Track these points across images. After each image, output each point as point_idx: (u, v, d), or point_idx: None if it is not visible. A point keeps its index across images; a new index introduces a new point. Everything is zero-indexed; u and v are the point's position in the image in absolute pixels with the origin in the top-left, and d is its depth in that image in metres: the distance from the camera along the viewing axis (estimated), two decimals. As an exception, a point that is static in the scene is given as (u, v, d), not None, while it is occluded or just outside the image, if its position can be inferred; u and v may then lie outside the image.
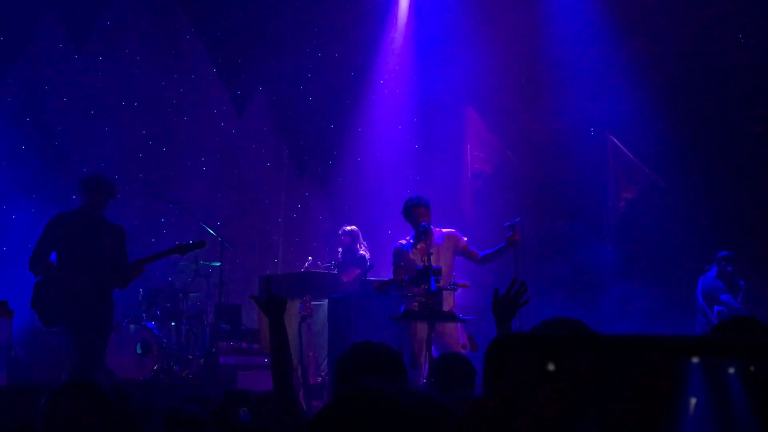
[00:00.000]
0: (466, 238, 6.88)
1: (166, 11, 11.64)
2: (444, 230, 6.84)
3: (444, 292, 6.41)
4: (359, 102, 12.60)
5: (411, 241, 6.75)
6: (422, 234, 6.60)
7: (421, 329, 6.31)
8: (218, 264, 9.18)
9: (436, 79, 12.02)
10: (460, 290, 6.67)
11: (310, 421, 1.28)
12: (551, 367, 0.53)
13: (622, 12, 10.62)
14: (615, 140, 10.43)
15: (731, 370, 0.55)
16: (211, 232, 9.31)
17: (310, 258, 10.40)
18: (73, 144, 10.70)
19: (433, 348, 6.23)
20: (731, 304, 8.79)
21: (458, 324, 6.59)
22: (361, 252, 9.90)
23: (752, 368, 0.53)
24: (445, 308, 6.41)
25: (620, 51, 10.50)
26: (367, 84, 12.59)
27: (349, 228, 10.12)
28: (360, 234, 10.07)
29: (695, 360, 0.54)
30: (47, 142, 10.57)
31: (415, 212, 6.69)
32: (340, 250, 10.17)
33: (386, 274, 7.46)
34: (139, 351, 8.34)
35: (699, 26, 9.94)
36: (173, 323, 9.05)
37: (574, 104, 10.84)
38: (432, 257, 6.35)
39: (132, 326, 8.55)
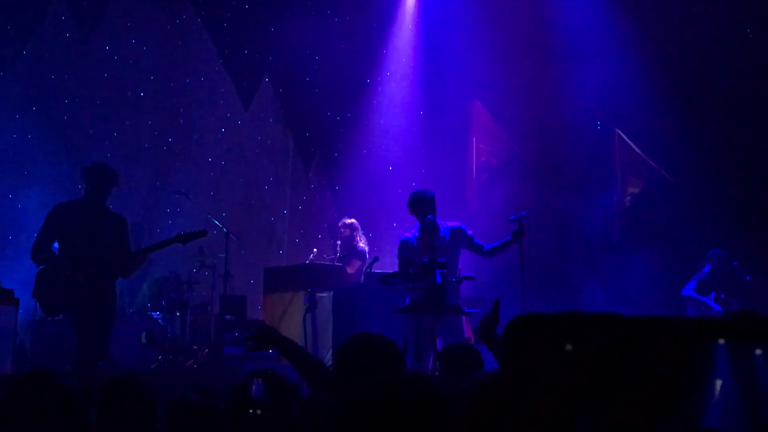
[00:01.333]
0: (471, 231, 6.86)
1: (173, 2, 11.64)
2: (449, 223, 6.82)
3: (449, 285, 6.40)
4: (365, 94, 12.58)
5: (416, 233, 6.74)
6: (427, 227, 6.58)
7: (426, 322, 6.30)
8: (223, 255, 9.19)
9: (443, 71, 12.01)
10: (465, 283, 6.66)
11: (351, 405, 1.30)
12: (568, 346, 0.52)
13: (631, 6, 10.58)
14: (621, 134, 10.40)
15: (758, 352, 0.54)
16: (217, 223, 9.32)
17: (315, 250, 10.41)
18: (79, 134, 10.72)
19: (438, 341, 6.22)
20: (710, 305, 8.90)
21: (463, 317, 6.59)
22: (361, 245, 9.93)
23: None
24: (451, 301, 6.40)
25: (629, 45, 10.46)
26: (374, 76, 12.57)
27: (348, 221, 10.15)
28: (359, 227, 10.10)
29: (721, 341, 0.53)
30: (54, 131, 10.59)
31: (421, 205, 6.67)
32: (338, 243, 10.19)
33: (391, 267, 7.46)
34: (143, 341, 8.36)
35: (708, 22, 9.89)
36: (178, 314, 9.07)
37: (581, 98, 10.81)
38: (437, 250, 6.35)
39: (137, 316, 8.58)
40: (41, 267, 6.32)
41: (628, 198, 10.35)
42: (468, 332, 6.59)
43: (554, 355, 0.50)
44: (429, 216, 6.61)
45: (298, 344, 3.39)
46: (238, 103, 12.02)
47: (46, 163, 10.14)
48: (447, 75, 11.87)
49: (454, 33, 11.73)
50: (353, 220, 10.15)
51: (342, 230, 10.15)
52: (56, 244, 6.42)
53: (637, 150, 10.27)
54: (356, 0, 12.20)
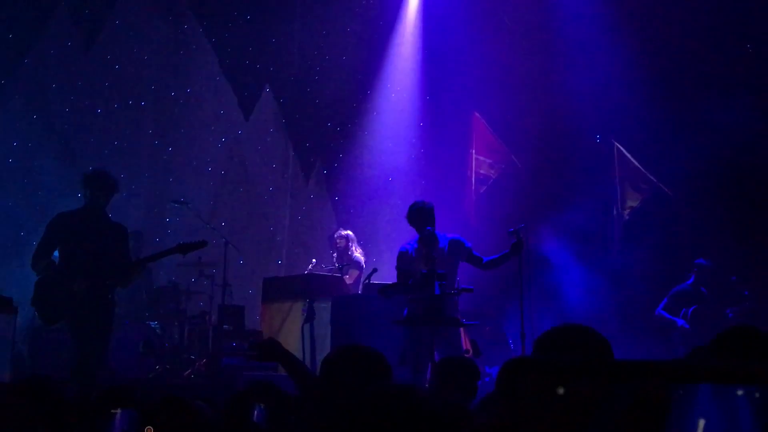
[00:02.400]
0: (470, 243, 6.87)
1: (174, 11, 11.68)
2: (448, 235, 6.83)
3: (448, 297, 6.40)
4: (366, 105, 12.62)
5: (415, 245, 6.75)
6: (426, 238, 6.59)
7: (425, 334, 6.31)
8: (222, 265, 9.20)
9: (443, 83, 12.04)
10: (464, 296, 6.66)
11: (334, 417, 1.31)
12: (560, 390, 0.54)
13: (629, 19, 10.61)
14: (620, 147, 10.42)
15: (740, 392, 0.56)
16: (216, 232, 9.33)
17: (314, 260, 10.43)
18: (80, 142, 10.74)
19: (436, 353, 6.23)
20: (676, 325, 8.86)
21: (461, 329, 6.59)
22: (356, 255, 9.97)
23: (757, 395, 0.54)
24: (449, 313, 6.41)
25: (627, 58, 10.49)
26: (374, 87, 12.61)
27: (344, 232, 10.23)
28: (354, 238, 10.16)
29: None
30: (55, 139, 10.61)
31: (420, 216, 6.69)
32: (334, 255, 10.23)
33: (390, 278, 7.47)
34: (141, 350, 8.36)
35: (707, 35, 9.93)
36: (176, 323, 9.08)
37: (580, 111, 10.84)
38: (436, 262, 6.36)
39: (135, 325, 8.58)
40: (41, 275, 6.33)
41: (627, 211, 10.36)
42: (466, 344, 6.60)
43: (547, 397, 0.52)
44: (428, 227, 6.62)
45: (299, 360, 3.40)
46: (239, 113, 12.04)
47: (47, 171, 10.16)
48: (447, 87, 11.91)
49: (454, 45, 11.77)
50: (348, 232, 10.22)
51: (337, 241, 10.21)
52: (56, 253, 6.43)
53: (636, 163, 10.29)
54: (357, 12, 12.24)
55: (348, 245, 10.08)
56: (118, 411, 2.42)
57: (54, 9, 10.55)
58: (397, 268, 6.81)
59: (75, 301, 6.15)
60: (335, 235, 10.43)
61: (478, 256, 6.84)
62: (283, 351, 3.32)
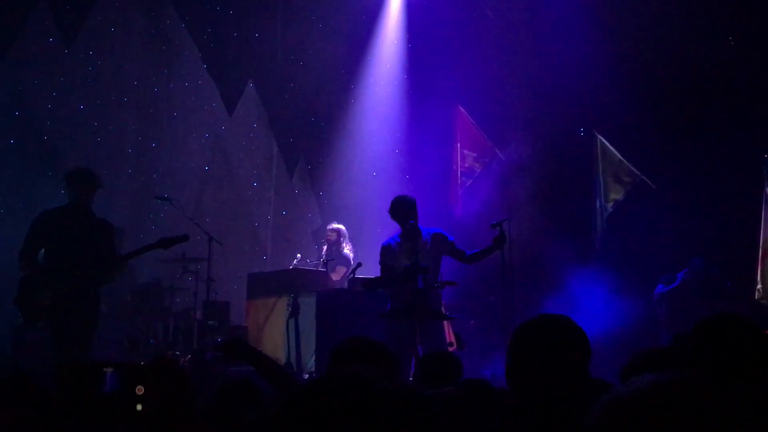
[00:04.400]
0: (452, 237, 6.88)
1: (156, 7, 11.62)
2: (431, 229, 6.84)
3: (431, 290, 6.41)
4: (349, 99, 12.61)
5: (398, 239, 6.75)
6: (409, 232, 6.60)
7: (408, 327, 6.31)
8: (206, 260, 9.16)
9: (427, 77, 12.05)
10: (447, 289, 6.67)
11: (292, 397, 1.31)
12: None
13: (612, 13, 10.65)
14: (603, 140, 10.46)
15: None
16: (201, 227, 9.29)
17: (298, 255, 10.40)
18: (61, 139, 10.66)
19: (420, 346, 6.24)
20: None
21: (445, 322, 6.61)
22: (346, 251, 9.96)
23: None
24: (432, 307, 6.42)
25: (610, 51, 10.52)
26: (358, 82, 12.60)
27: (336, 226, 10.18)
28: (346, 233, 10.13)
29: None
30: (36, 136, 10.54)
31: (402, 210, 6.69)
32: (324, 248, 10.21)
33: (375, 272, 7.47)
34: (126, 347, 8.32)
35: (690, 32, 9.97)
36: (160, 320, 9.04)
37: (563, 104, 10.87)
38: (419, 255, 6.36)
39: (119, 322, 8.54)
40: (26, 272, 6.28)
41: (611, 204, 10.40)
42: (450, 337, 6.61)
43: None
44: (410, 221, 6.63)
45: (268, 356, 3.38)
46: (222, 109, 11.99)
47: (27, 168, 10.09)
48: (431, 81, 11.91)
49: (437, 39, 11.77)
50: (341, 226, 10.18)
51: (329, 233, 10.18)
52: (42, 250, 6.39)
53: (619, 156, 10.33)
54: (340, 6, 12.22)
55: (339, 239, 10.04)
56: (109, 370, 2.42)
57: (34, 5, 10.47)
58: (381, 262, 6.81)
59: (60, 299, 6.11)
60: (327, 228, 10.39)
61: (461, 250, 6.85)
62: (250, 349, 3.29)
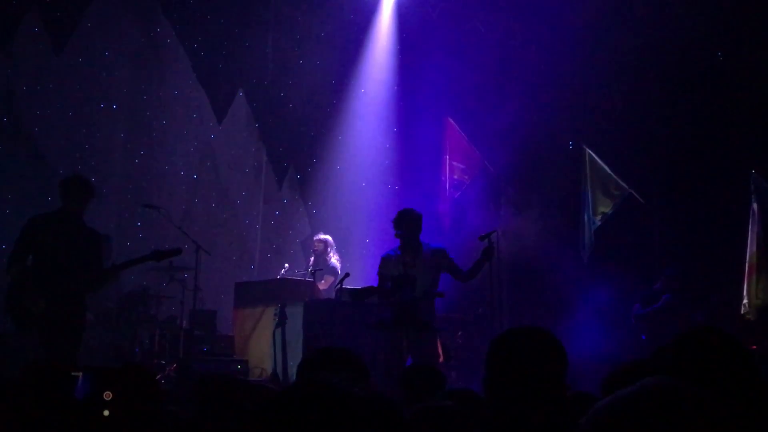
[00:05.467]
0: (452, 256, 6.92)
1: (147, 15, 11.59)
2: (432, 244, 6.88)
3: (423, 302, 6.42)
4: (339, 110, 12.63)
5: (398, 252, 6.78)
6: (410, 245, 6.65)
7: (396, 338, 6.31)
8: (194, 269, 9.13)
9: (417, 89, 12.08)
10: (436, 301, 6.68)
11: (264, 406, 1.32)
12: None
13: (602, 27, 10.70)
14: (592, 153, 10.49)
15: None
16: (188, 236, 9.26)
17: (286, 265, 10.39)
18: (50, 145, 10.61)
19: (409, 357, 6.24)
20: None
21: (437, 334, 6.61)
22: (333, 261, 9.96)
23: None
24: (423, 318, 6.42)
25: (600, 65, 10.58)
26: (348, 92, 12.62)
27: (323, 236, 10.20)
28: (333, 244, 10.14)
29: None
30: (25, 143, 10.48)
31: (408, 222, 6.73)
32: (311, 258, 10.21)
33: (363, 282, 7.48)
34: (111, 355, 8.28)
35: (681, 44, 10.04)
36: (146, 328, 8.99)
37: (553, 117, 10.92)
38: (415, 268, 6.39)
39: (104, 331, 8.49)
40: (15, 278, 6.23)
41: (599, 217, 10.42)
42: (438, 349, 6.61)
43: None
44: (398, 231, 6.65)
45: None
46: (212, 117, 11.98)
47: (15, 174, 10.03)
48: (421, 92, 11.95)
49: (428, 51, 11.81)
50: (328, 236, 10.19)
51: (315, 244, 10.19)
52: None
53: (608, 169, 10.36)
54: (331, 17, 12.25)
55: (326, 249, 10.06)
56: (80, 374, 2.40)
57: (25, 11, 10.43)
58: (378, 272, 6.84)
59: (48, 306, 6.07)
60: (314, 238, 10.40)
61: (459, 267, 6.89)
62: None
